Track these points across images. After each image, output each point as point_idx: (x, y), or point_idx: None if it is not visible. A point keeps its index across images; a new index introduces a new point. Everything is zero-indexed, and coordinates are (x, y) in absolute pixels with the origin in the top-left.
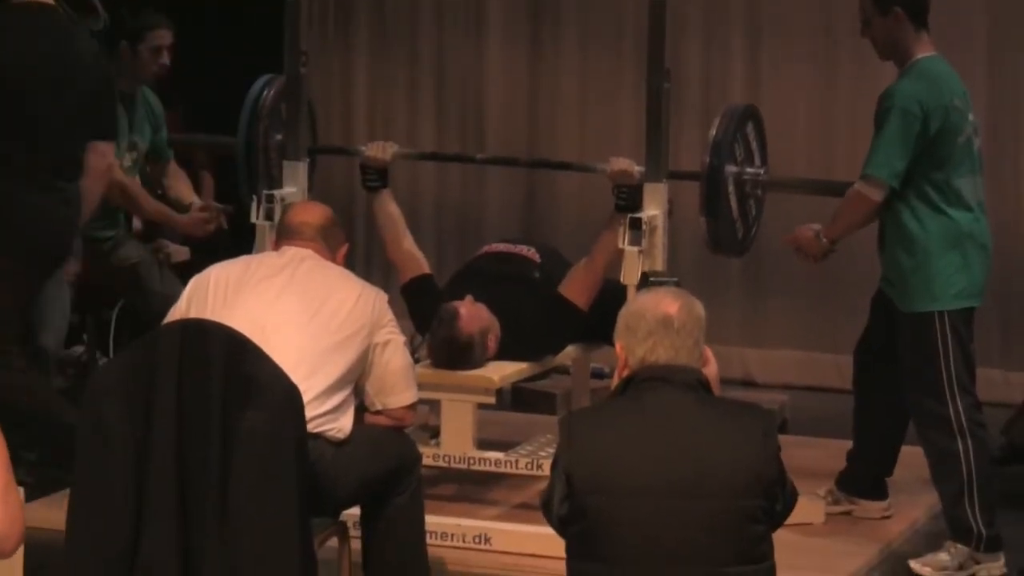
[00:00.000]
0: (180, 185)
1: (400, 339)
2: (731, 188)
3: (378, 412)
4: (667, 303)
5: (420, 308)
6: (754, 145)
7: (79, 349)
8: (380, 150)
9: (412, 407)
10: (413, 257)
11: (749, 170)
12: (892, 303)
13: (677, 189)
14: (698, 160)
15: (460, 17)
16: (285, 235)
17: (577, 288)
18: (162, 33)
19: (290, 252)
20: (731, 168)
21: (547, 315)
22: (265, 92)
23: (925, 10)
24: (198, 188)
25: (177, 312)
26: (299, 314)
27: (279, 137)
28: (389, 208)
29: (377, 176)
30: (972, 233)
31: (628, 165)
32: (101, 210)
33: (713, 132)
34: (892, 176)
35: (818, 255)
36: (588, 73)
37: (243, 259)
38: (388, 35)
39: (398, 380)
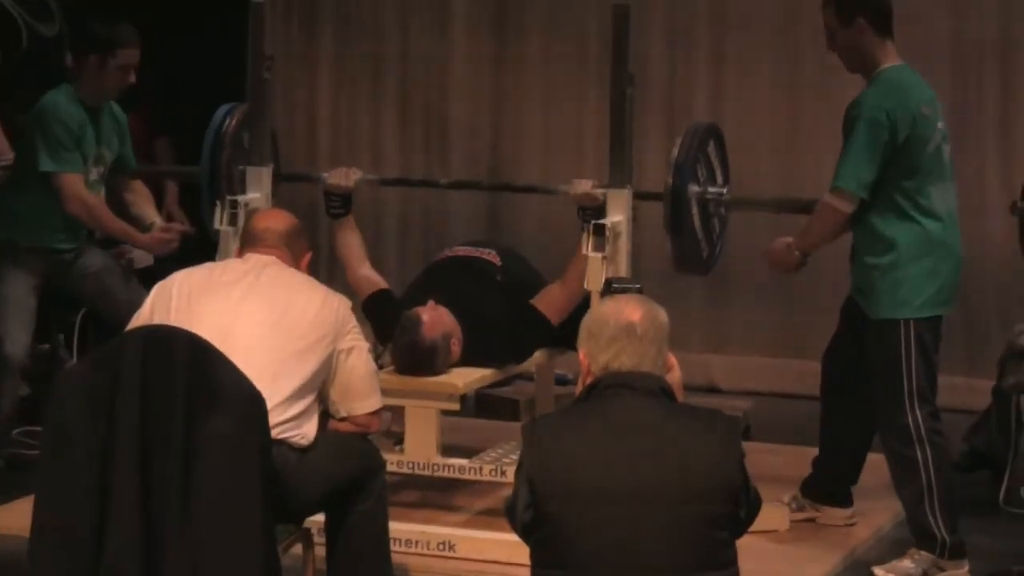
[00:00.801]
0: (143, 202)
1: (364, 345)
2: (694, 208)
3: (343, 418)
4: (630, 310)
5: (380, 320)
6: (716, 164)
7: (44, 347)
8: (343, 177)
9: (377, 413)
10: (370, 280)
11: (712, 190)
12: (862, 312)
13: (640, 207)
14: (661, 178)
15: (425, 24)
16: (249, 242)
17: (550, 304)
18: (132, 52)
19: (254, 259)
20: (694, 188)
21: (515, 322)
22: (227, 121)
23: (888, 18)
24: (161, 195)
25: (140, 318)
26: (262, 320)
27: (242, 168)
28: (349, 237)
29: (341, 203)
30: (943, 241)
31: (591, 187)
32: (63, 223)
33: (675, 152)
34: (861, 187)
35: (791, 267)
36: (552, 82)
37: (207, 265)
38: (352, 50)
39: (362, 386)
